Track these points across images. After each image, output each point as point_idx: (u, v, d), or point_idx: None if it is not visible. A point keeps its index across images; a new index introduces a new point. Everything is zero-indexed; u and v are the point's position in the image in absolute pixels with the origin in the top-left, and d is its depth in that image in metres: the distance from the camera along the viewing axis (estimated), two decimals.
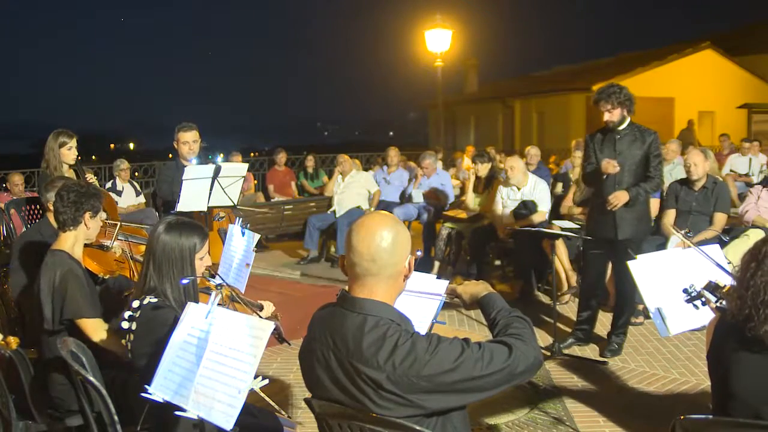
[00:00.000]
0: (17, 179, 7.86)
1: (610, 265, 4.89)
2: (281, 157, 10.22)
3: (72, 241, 3.03)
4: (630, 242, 4.42)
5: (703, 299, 2.56)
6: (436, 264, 6.94)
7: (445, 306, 2.35)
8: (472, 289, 2.11)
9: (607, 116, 4.42)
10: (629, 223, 4.45)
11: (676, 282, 2.86)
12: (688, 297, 2.62)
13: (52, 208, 3.63)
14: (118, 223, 3.78)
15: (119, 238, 3.76)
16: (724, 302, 2.41)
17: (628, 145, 4.44)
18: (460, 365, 1.70)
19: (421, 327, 2.11)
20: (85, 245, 3.18)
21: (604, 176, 4.44)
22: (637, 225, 4.48)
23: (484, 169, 7.09)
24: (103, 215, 3.17)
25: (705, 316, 2.79)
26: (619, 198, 4.39)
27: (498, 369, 1.73)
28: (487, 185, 7.04)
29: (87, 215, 3.02)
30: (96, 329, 2.85)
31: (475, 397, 1.77)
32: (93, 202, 3.04)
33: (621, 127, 4.45)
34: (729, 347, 2.06)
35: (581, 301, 4.80)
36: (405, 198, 8.03)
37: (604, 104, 4.40)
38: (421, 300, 2.24)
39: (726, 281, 2.52)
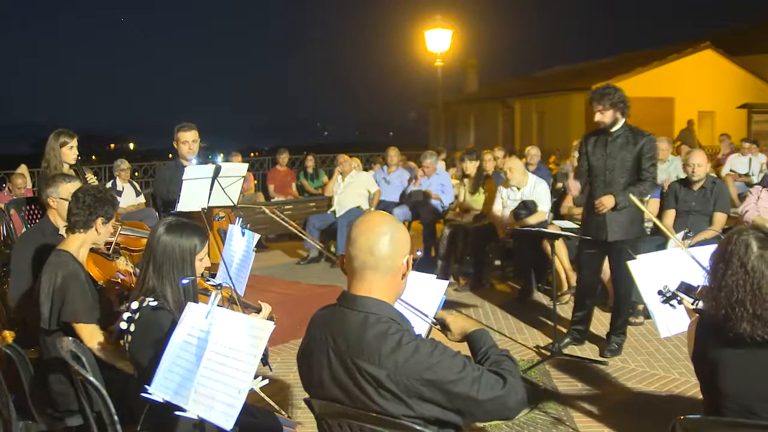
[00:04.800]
0: (20, 182, 7.85)
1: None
2: (284, 157, 10.23)
3: (79, 244, 3.03)
4: (622, 244, 4.44)
5: (678, 299, 2.59)
6: (440, 264, 6.93)
7: (445, 306, 2.35)
8: (463, 322, 2.13)
9: (598, 117, 4.44)
10: (619, 225, 4.46)
11: (676, 282, 2.87)
12: (664, 298, 2.64)
13: (52, 204, 3.64)
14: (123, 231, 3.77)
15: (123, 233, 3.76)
16: (700, 303, 2.43)
17: (619, 148, 4.46)
18: (460, 380, 1.72)
19: (421, 328, 2.12)
20: (91, 250, 3.18)
21: (597, 176, 4.52)
22: (628, 227, 4.49)
23: (472, 167, 7.12)
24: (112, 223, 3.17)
25: None
26: (604, 203, 4.43)
27: (492, 397, 1.74)
28: (477, 183, 7.08)
29: (99, 221, 3.04)
30: (92, 335, 2.83)
31: (465, 420, 1.79)
32: (107, 208, 3.06)
33: (614, 129, 4.47)
34: (712, 347, 2.08)
35: (577, 301, 4.81)
36: (405, 198, 8.04)
37: (596, 104, 4.43)
38: (420, 298, 2.25)
39: (698, 282, 2.53)
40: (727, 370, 2.03)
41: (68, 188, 3.55)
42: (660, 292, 2.65)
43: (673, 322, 2.93)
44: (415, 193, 7.88)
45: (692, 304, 2.52)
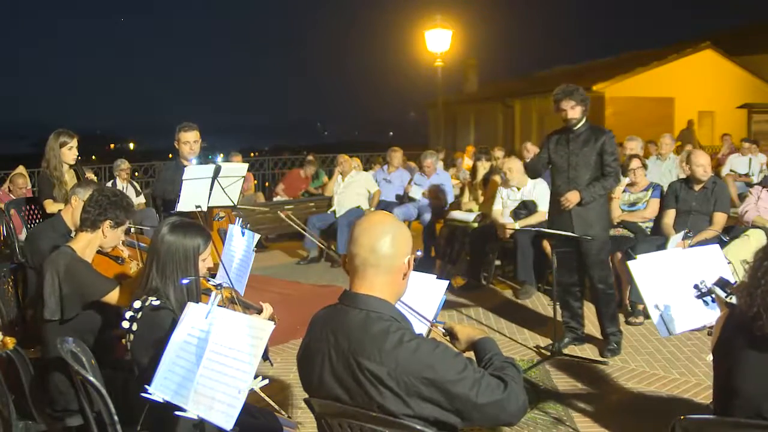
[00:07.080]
0: (21, 182, 7.86)
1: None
2: (310, 169, 10.44)
3: (84, 243, 3.04)
4: (591, 240, 4.45)
5: (713, 296, 2.57)
6: (439, 263, 6.94)
7: (445, 306, 2.35)
8: (470, 331, 2.14)
9: (570, 113, 4.47)
10: (585, 222, 4.48)
11: (676, 282, 2.86)
12: (699, 293, 2.63)
13: (73, 203, 3.63)
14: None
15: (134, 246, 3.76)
16: (734, 298, 2.41)
17: (581, 145, 4.50)
18: (460, 380, 1.72)
19: (421, 329, 2.12)
20: (100, 252, 3.18)
21: (560, 174, 4.59)
22: (594, 222, 4.51)
23: (487, 166, 7.14)
24: (122, 229, 3.16)
25: (705, 316, 2.79)
26: (570, 199, 4.46)
27: (491, 401, 1.74)
28: (485, 186, 7.07)
29: (107, 223, 3.04)
30: (120, 296, 2.93)
31: (465, 423, 1.79)
32: (118, 212, 3.05)
33: (577, 127, 4.51)
34: (736, 344, 2.06)
35: (560, 301, 4.80)
36: (403, 199, 8.04)
37: (566, 102, 4.46)
38: (420, 298, 2.25)
39: (736, 279, 2.52)
40: (746, 369, 2.01)
41: None
42: (696, 287, 2.64)
43: (674, 321, 2.93)
44: (415, 189, 7.89)
45: (725, 297, 2.50)
